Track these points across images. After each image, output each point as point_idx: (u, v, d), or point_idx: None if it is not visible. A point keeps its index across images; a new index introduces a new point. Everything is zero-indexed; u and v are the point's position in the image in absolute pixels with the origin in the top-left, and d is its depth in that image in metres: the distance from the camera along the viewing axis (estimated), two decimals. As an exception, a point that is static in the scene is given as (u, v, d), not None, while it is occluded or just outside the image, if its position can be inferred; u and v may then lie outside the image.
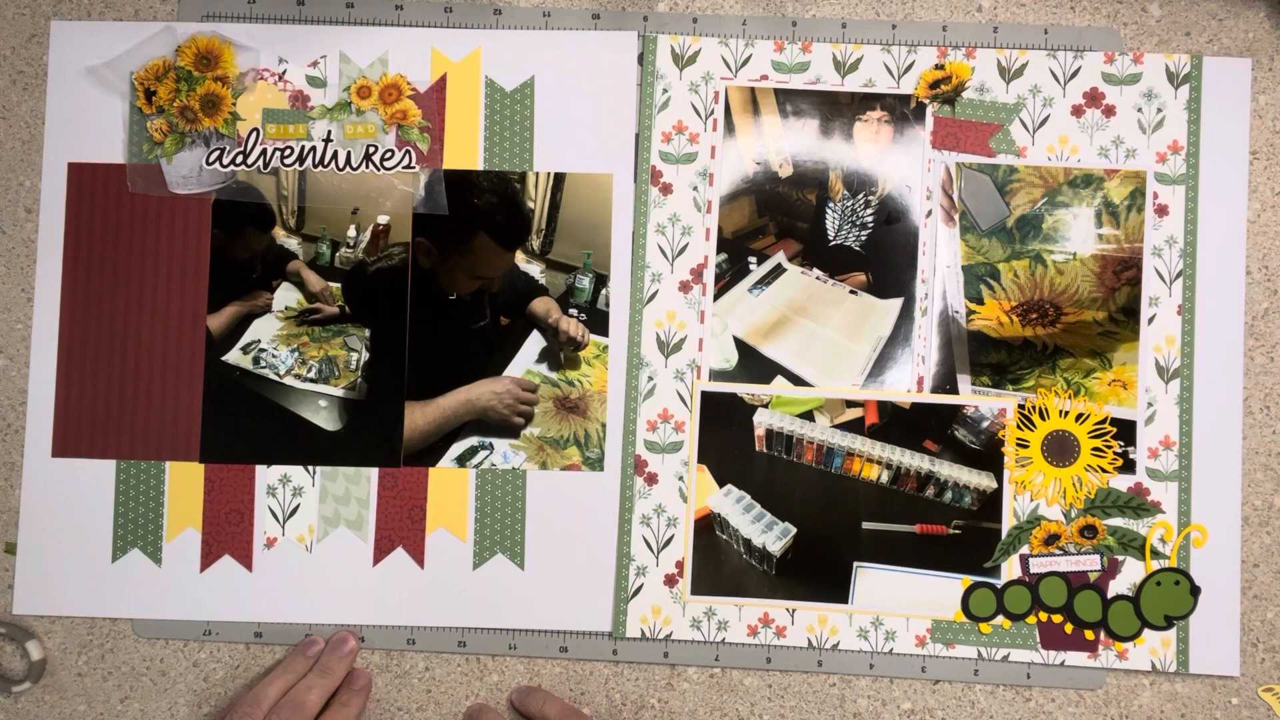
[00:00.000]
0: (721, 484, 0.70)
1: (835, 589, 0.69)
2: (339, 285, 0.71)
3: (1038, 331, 0.70)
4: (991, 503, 0.69)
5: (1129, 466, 0.69)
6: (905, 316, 0.70)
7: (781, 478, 0.70)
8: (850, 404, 0.70)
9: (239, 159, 0.71)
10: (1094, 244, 0.70)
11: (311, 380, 0.71)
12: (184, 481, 0.70)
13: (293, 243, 0.71)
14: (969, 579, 0.69)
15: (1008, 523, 0.69)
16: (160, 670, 0.71)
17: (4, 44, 0.72)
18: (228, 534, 0.70)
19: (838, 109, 0.71)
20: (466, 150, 0.71)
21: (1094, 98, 0.70)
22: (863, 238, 0.71)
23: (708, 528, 0.70)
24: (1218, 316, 0.70)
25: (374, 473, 0.70)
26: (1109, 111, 0.70)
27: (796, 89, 0.71)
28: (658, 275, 0.71)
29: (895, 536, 0.69)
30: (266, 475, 0.71)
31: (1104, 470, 0.69)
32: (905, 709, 0.69)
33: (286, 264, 0.71)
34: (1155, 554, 0.69)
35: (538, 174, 0.71)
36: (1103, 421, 0.69)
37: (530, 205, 0.71)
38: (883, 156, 0.71)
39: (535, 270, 0.71)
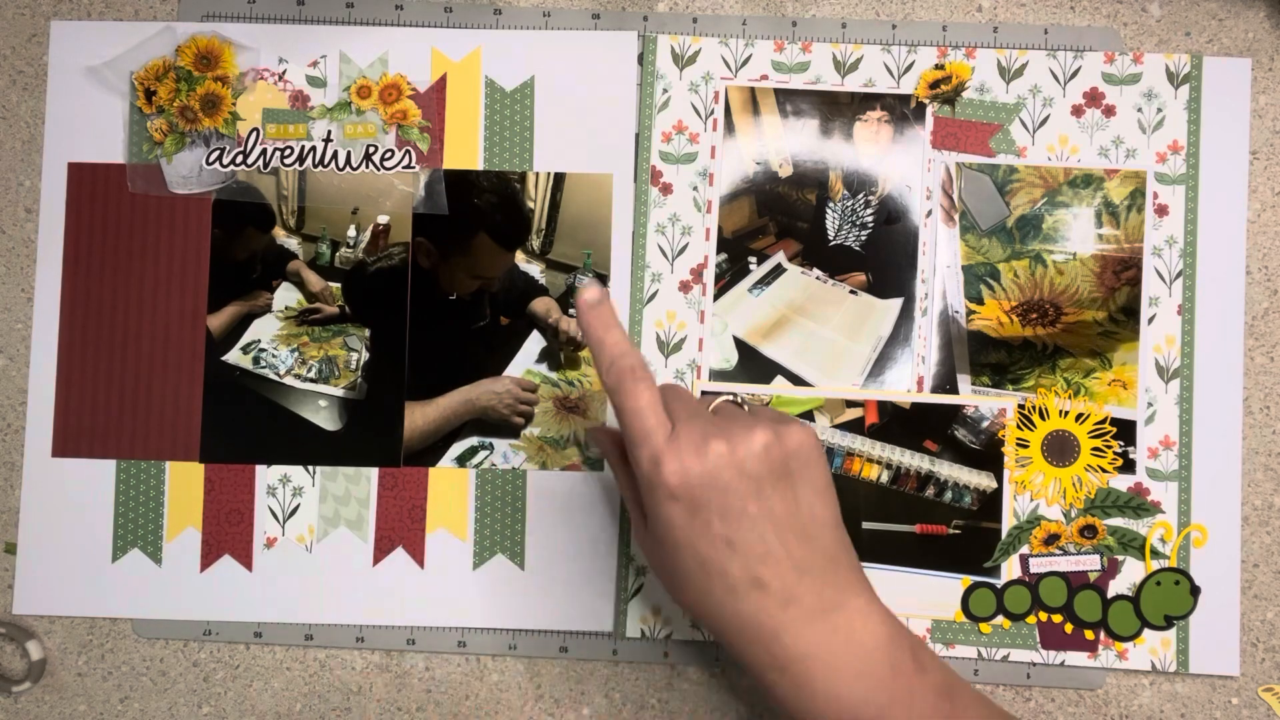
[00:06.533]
0: (721, 484, 0.70)
1: (835, 589, 0.69)
2: (339, 285, 0.71)
3: (1038, 331, 0.70)
4: (991, 503, 0.69)
5: (1129, 466, 0.69)
6: (905, 316, 0.70)
7: (781, 478, 0.70)
8: (850, 404, 0.70)
9: (239, 159, 0.71)
10: (1094, 244, 0.70)
11: (311, 380, 0.71)
12: (184, 481, 0.70)
13: (293, 243, 0.71)
14: (969, 579, 0.69)
15: (1008, 523, 0.69)
16: (160, 670, 0.71)
17: (4, 44, 0.72)
18: (228, 534, 0.70)
19: (838, 109, 0.71)
20: (466, 150, 0.71)
21: (1094, 98, 0.70)
22: (863, 238, 0.71)
23: (708, 528, 0.70)
24: (1218, 316, 0.70)
25: (374, 473, 0.70)
26: (1109, 111, 0.70)
27: (796, 89, 0.71)
28: (658, 275, 0.71)
29: (895, 536, 0.69)
30: (266, 475, 0.71)
31: (1104, 470, 0.69)
32: (905, 709, 0.69)
33: (286, 264, 0.71)
34: (1155, 554, 0.69)
35: (538, 174, 0.71)
36: (1103, 421, 0.69)
37: (530, 205, 0.71)
38: (883, 156, 0.71)
39: (535, 270, 0.71)
